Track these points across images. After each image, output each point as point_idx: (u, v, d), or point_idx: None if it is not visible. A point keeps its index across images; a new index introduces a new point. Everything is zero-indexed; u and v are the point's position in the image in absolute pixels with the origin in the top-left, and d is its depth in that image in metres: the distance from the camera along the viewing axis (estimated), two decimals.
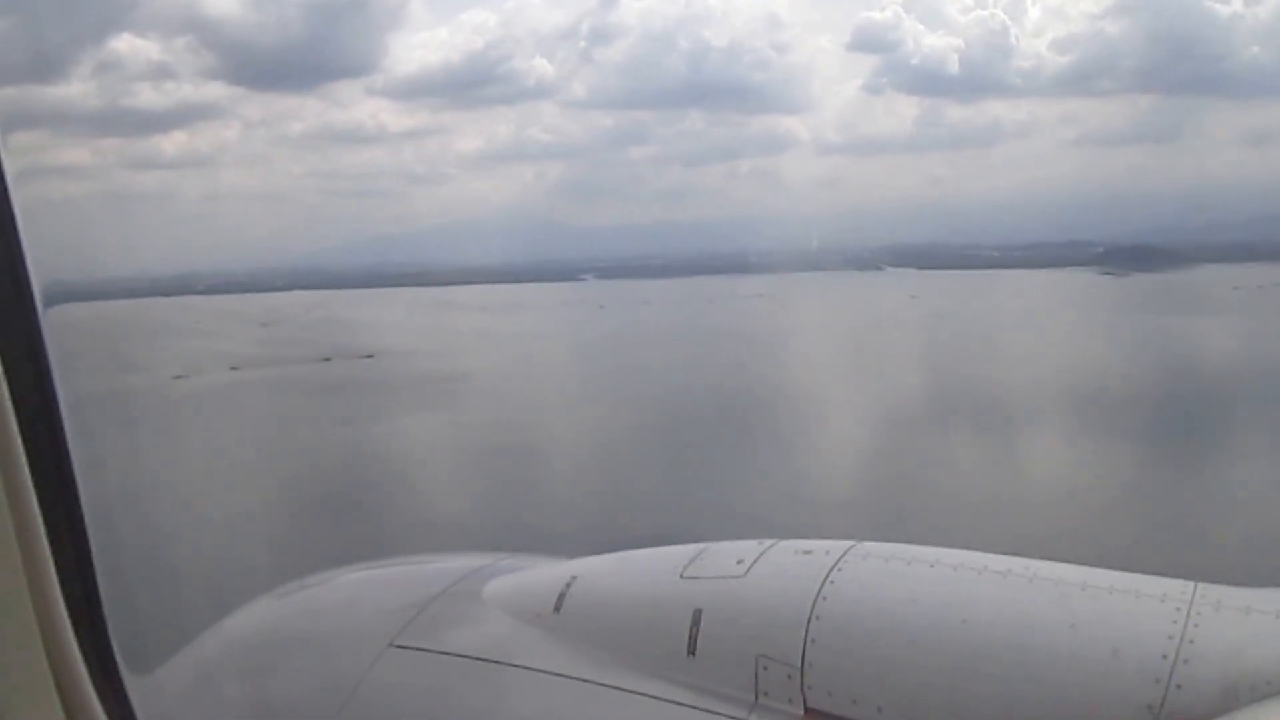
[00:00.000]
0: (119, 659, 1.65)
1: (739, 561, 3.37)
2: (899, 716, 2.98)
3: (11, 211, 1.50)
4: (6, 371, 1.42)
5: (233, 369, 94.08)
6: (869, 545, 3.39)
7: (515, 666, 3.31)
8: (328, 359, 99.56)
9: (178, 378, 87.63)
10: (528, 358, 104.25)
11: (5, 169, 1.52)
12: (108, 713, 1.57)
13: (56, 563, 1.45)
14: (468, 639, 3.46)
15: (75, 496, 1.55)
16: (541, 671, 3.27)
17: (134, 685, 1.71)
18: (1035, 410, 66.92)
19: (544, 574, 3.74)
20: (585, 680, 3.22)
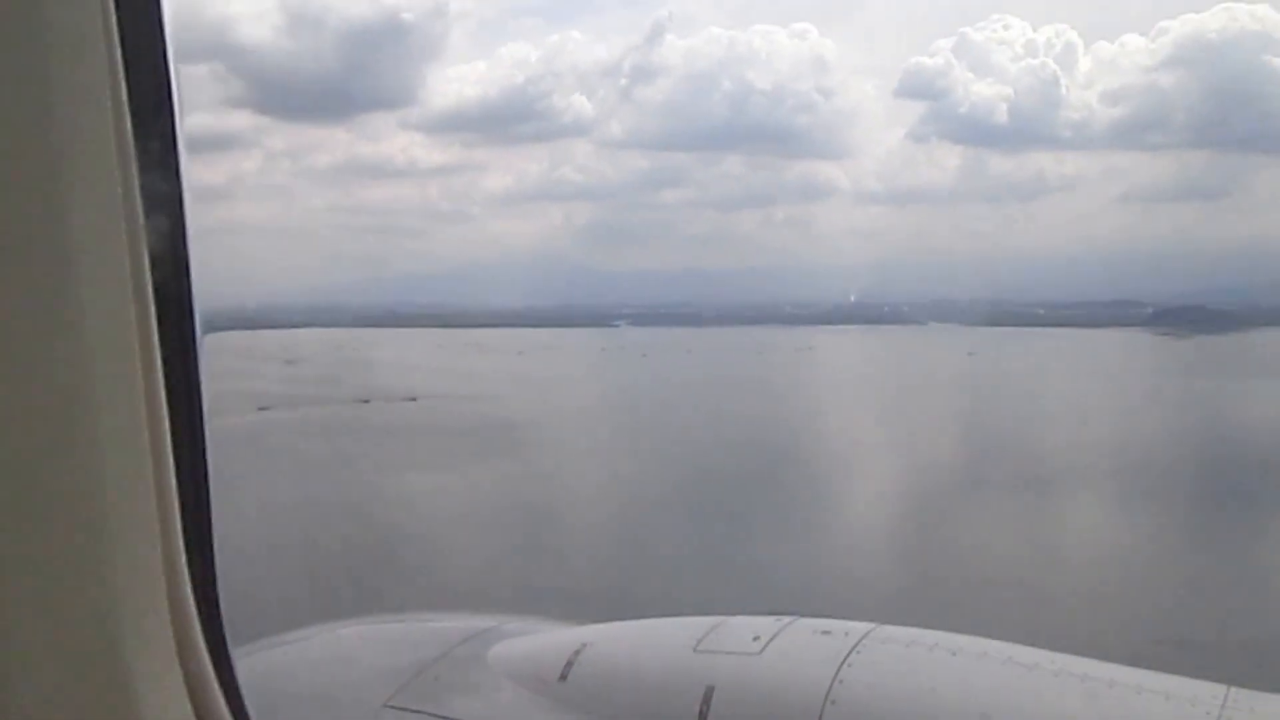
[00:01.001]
0: (229, 639, 1.72)
1: (755, 638, 3.28)
2: None
3: (185, 234, 1.54)
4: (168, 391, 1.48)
5: (261, 409, 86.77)
6: (890, 629, 3.30)
7: None
8: (366, 400, 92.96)
9: None
10: (582, 406, 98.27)
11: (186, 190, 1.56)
12: (220, 682, 1.65)
13: (188, 559, 1.55)
14: (466, 704, 3.31)
15: (207, 494, 1.64)
16: None
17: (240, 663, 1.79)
18: (1146, 481, 59.48)
19: (552, 640, 3.61)
20: None
